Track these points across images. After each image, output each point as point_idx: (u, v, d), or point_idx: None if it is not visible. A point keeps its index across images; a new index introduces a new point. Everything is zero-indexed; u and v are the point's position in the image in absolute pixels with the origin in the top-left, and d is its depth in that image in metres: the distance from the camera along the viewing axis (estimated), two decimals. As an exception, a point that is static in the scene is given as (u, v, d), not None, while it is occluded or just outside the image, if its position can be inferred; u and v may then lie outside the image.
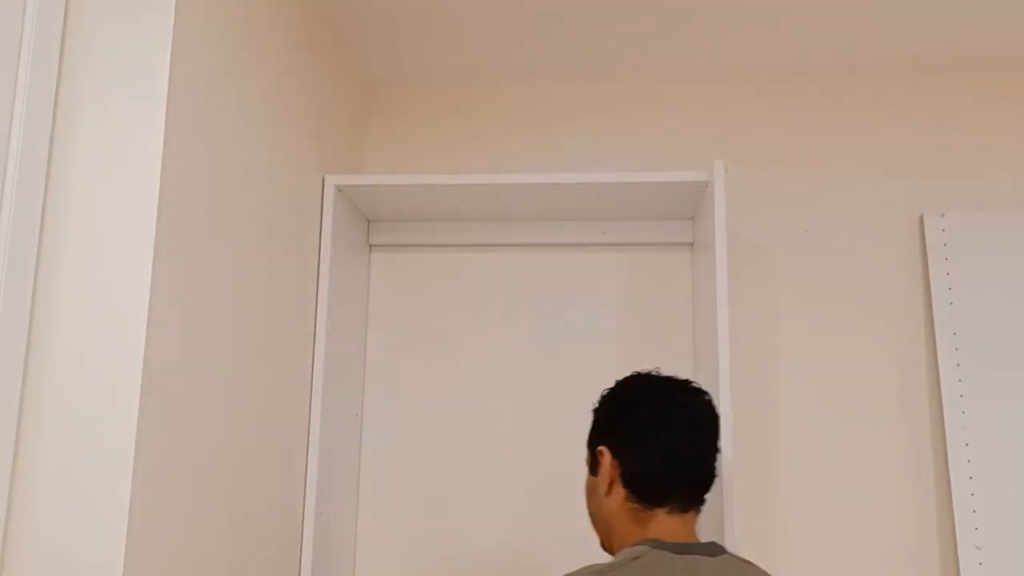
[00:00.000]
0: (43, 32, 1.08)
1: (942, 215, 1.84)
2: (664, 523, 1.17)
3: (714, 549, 1.16)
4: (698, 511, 1.22)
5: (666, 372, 1.29)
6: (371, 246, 1.97)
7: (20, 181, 1.04)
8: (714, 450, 1.24)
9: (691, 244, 1.87)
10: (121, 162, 1.09)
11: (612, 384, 1.30)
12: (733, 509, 1.44)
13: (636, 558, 1.11)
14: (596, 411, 1.30)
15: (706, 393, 1.25)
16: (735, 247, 1.56)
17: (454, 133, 2.03)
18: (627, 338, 1.88)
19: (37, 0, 1.07)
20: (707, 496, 1.23)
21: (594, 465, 1.25)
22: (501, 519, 1.84)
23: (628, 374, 1.30)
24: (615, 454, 1.22)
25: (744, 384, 1.78)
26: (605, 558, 1.17)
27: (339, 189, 1.73)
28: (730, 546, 1.42)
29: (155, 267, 1.07)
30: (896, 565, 1.75)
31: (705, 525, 1.64)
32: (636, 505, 1.19)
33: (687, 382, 1.26)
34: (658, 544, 1.13)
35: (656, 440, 1.20)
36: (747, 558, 1.20)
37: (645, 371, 1.29)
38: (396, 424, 1.91)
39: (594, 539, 1.28)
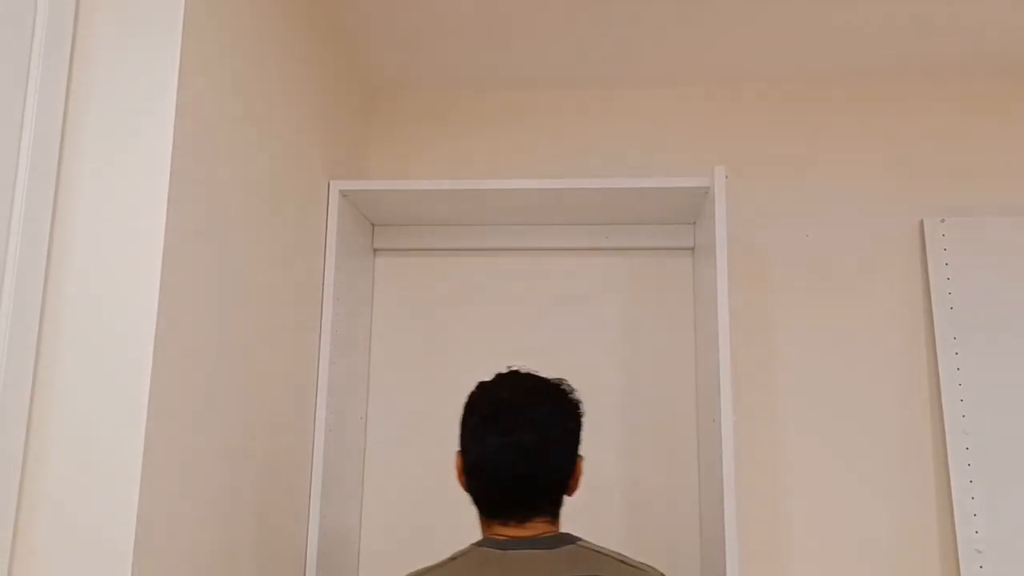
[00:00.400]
0: (53, 43, 1.10)
1: (942, 221, 1.85)
2: (501, 529, 1.17)
3: (553, 542, 1.15)
4: (549, 515, 1.19)
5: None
6: (375, 250, 1.98)
7: (30, 187, 1.06)
8: (550, 465, 1.18)
9: (692, 248, 1.88)
10: (129, 168, 1.11)
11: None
12: (733, 511, 1.45)
13: (454, 558, 1.15)
14: None
15: (545, 402, 1.20)
16: (736, 251, 1.57)
17: (457, 138, 2.05)
18: (629, 341, 1.89)
19: (47, 12, 1.09)
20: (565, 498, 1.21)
21: None
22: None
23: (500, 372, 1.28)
24: (461, 460, 1.23)
25: (744, 387, 1.80)
26: None
27: (344, 194, 1.74)
28: (729, 547, 1.43)
29: (163, 270, 1.09)
30: (897, 569, 1.75)
31: (706, 526, 1.65)
32: (478, 509, 1.21)
33: (530, 391, 1.21)
34: (485, 543, 1.16)
35: (476, 461, 1.19)
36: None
37: (509, 370, 1.27)
38: (400, 427, 1.91)
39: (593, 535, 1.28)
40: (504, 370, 1.29)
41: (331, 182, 1.74)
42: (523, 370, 1.27)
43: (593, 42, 1.82)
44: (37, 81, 1.08)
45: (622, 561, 1.17)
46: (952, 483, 1.71)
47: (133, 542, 1.03)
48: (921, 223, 1.87)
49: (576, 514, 1.67)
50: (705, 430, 1.69)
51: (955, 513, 1.70)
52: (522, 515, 1.17)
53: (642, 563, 1.19)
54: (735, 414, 1.50)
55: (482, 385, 1.25)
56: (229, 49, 1.29)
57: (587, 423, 1.79)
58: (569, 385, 1.26)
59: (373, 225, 1.97)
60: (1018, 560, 1.67)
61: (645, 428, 1.84)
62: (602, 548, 1.18)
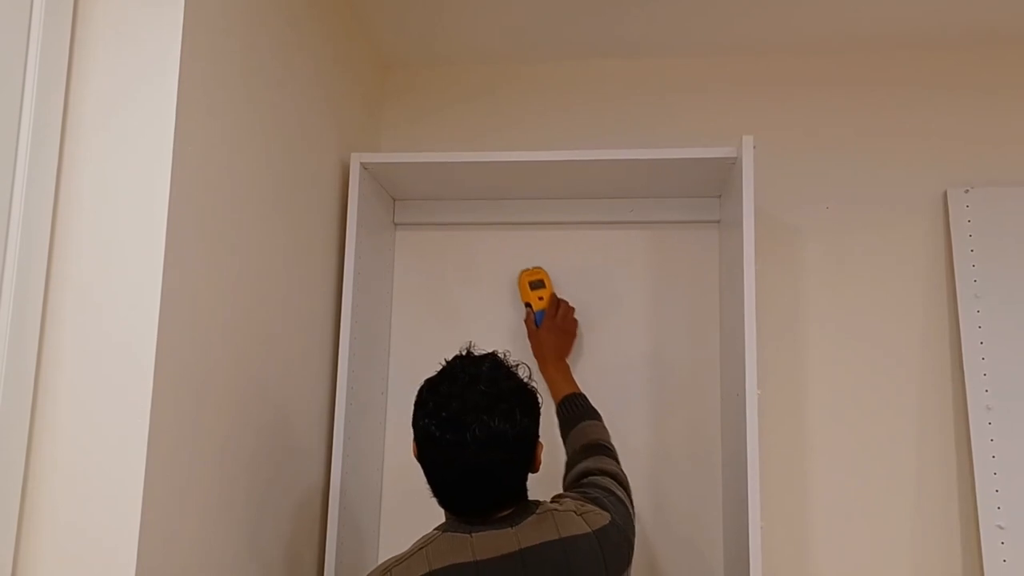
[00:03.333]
0: (55, 9, 1.08)
1: (966, 191, 1.83)
2: (464, 515, 1.22)
3: (515, 519, 1.19)
4: (512, 505, 1.22)
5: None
6: (396, 224, 1.96)
7: (32, 156, 1.05)
8: (509, 476, 1.22)
9: (718, 222, 1.86)
10: (132, 148, 1.09)
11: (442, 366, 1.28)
12: (757, 486, 1.44)
13: (421, 548, 1.18)
14: None
15: (499, 415, 1.18)
16: (761, 224, 1.56)
17: (472, 113, 2.02)
18: (654, 316, 1.87)
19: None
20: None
21: None
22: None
23: (450, 361, 1.28)
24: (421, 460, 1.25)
25: (769, 360, 1.79)
26: None
27: (365, 167, 1.72)
28: (752, 517, 1.43)
29: (168, 247, 1.07)
30: (919, 544, 1.75)
31: (729, 497, 1.65)
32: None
33: (489, 401, 1.19)
34: (450, 527, 1.20)
35: (437, 474, 1.22)
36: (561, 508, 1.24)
37: (459, 363, 1.26)
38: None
39: None
40: (459, 353, 1.29)
41: (352, 154, 1.72)
42: (475, 352, 1.28)
43: (614, 11, 1.79)
44: (37, 50, 1.06)
45: (574, 512, 1.22)
46: (974, 458, 1.70)
47: (138, 530, 1.03)
48: (945, 193, 1.85)
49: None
50: (730, 403, 1.68)
51: (977, 488, 1.69)
52: (484, 516, 1.20)
53: (590, 500, 1.26)
54: (759, 387, 1.49)
55: (432, 388, 1.24)
56: (235, 22, 1.27)
57: (614, 397, 1.81)
58: (521, 376, 1.27)
59: (394, 199, 1.95)
60: (1041, 534, 1.66)
61: (670, 402, 1.84)
62: (558, 506, 1.23)
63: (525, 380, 1.27)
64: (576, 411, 1.62)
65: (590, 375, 1.81)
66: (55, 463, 1.04)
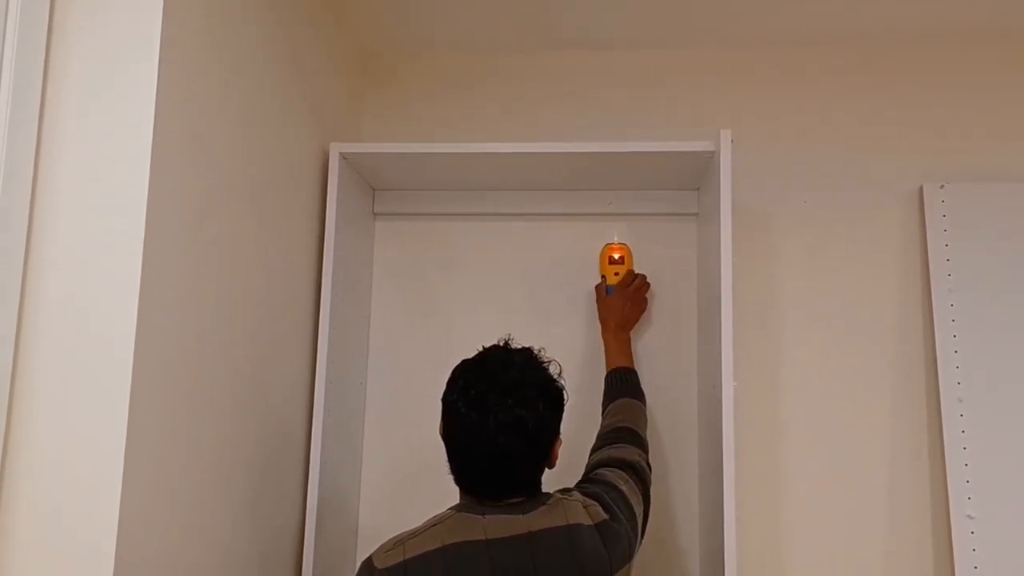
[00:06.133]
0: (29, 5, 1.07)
1: (941, 186, 1.84)
2: (478, 498, 1.27)
3: (526, 507, 1.24)
4: (525, 493, 1.27)
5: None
6: (376, 214, 1.96)
7: (9, 143, 1.04)
8: (523, 463, 1.26)
9: (696, 214, 1.87)
10: (110, 136, 1.08)
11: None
12: (732, 476, 1.46)
13: (435, 524, 1.23)
14: None
15: (522, 403, 1.24)
16: (739, 217, 1.56)
17: (454, 104, 2.01)
18: (632, 307, 1.87)
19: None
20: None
21: None
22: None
23: (488, 347, 1.34)
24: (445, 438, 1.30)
25: (746, 352, 1.80)
26: None
27: (344, 157, 1.72)
28: (728, 517, 1.45)
29: (147, 237, 1.07)
30: (891, 533, 1.77)
31: (705, 490, 1.66)
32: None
33: (515, 388, 1.25)
34: (464, 507, 1.25)
35: (458, 449, 1.28)
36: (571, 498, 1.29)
37: (497, 347, 1.33)
38: (400, 392, 1.91)
39: None
40: (496, 343, 1.35)
41: (332, 144, 1.71)
42: (513, 345, 1.33)
43: (596, 5, 1.79)
44: (14, 40, 1.05)
45: (580, 503, 1.28)
46: (945, 448, 1.72)
47: (117, 522, 1.02)
48: (921, 189, 1.86)
49: (573, 477, 1.69)
50: (706, 395, 1.70)
51: (948, 478, 1.71)
52: (496, 496, 1.26)
53: (591, 495, 1.31)
54: (736, 379, 1.50)
55: (465, 368, 1.31)
56: (215, 9, 1.26)
57: (591, 390, 1.81)
58: (554, 372, 1.32)
59: (373, 189, 1.94)
60: (1010, 526, 1.68)
61: (647, 394, 1.84)
62: (567, 497, 1.29)
63: (555, 376, 1.31)
64: (622, 385, 1.66)
65: (564, 368, 1.80)
66: (33, 454, 1.04)
